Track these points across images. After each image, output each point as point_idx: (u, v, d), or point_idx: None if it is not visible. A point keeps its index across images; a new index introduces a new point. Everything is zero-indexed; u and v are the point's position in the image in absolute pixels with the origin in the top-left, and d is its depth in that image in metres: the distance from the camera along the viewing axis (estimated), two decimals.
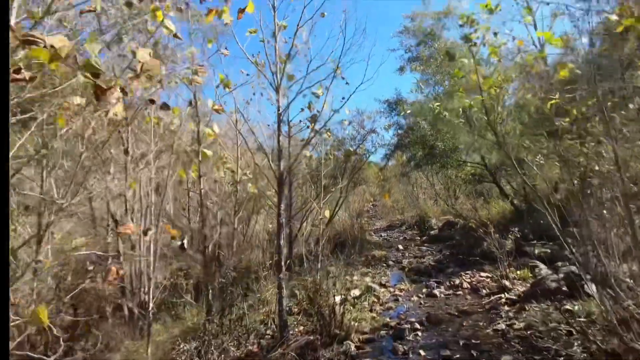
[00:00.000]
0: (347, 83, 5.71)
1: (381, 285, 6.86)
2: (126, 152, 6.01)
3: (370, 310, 5.54)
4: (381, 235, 13.61)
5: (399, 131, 11.02)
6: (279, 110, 5.25)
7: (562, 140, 3.57)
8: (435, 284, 6.57)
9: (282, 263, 4.92)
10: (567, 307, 4.37)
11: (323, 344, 4.33)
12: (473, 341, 4.11)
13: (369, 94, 18.17)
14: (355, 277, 7.29)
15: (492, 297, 5.52)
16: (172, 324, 5.13)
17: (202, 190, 5.01)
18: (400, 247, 10.54)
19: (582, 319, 3.59)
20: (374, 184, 20.48)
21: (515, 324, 4.39)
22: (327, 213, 7.25)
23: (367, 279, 7.31)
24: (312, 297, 4.58)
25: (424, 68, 10.40)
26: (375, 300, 6.00)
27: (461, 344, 4.09)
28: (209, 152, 3.46)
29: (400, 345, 4.16)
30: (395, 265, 8.50)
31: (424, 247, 10.29)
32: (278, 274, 4.92)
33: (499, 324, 4.49)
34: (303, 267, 6.83)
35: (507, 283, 5.79)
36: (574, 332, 3.77)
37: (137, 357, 4.81)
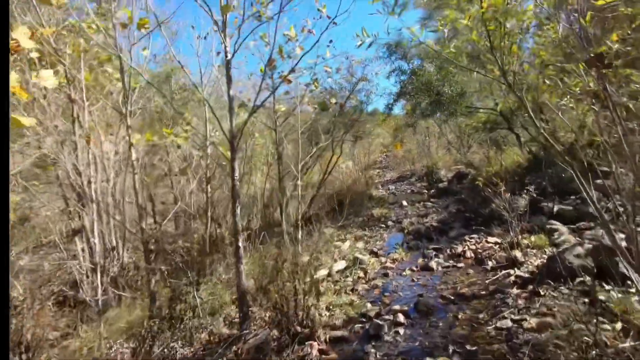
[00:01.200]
0: (325, 15, 4.25)
1: (372, 253, 5.70)
2: (74, 120, 4.90)
3: (352, 290, 4.44)
4: (389, 189, 12.33)
5: (402, 77, 9.26)
6: (226, 55, 3.89)
7: (610, 69, 2.10)
8: (434, 253, 5.34)
9: (239, 243, 3.82)
10: (600, 296, 3.07)
11: (280, 345, 3.29)
12: (467, 347, 2.93)
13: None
14: (347, 244, 6.17)
15: (499, 273, 4.25)
16: (122, 314, 4.25)
17: (136, 158, 3.83)
18: (405, 203, 9.23)
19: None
20: (387, 134, 18.72)
21: (525, 319, 3.14)
22: (310, 175, 6.02)
23: (360, 245, 6.17)
24: (266, 287, 3.48)
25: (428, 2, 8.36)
26: (362, 275, 4.88)
27: (451, 350, 2.92)
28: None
29: (373, 350, 3.05)
30: (395, 226, 7.27)
31: (429, 203, 8.94)
32: (235, 256, 3.85)
33: (504, 317, 3.26)
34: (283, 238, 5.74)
35: (518, 254, 4.48)
36: (608, 345, 2.50)
37: (93, 345, 4.04)
